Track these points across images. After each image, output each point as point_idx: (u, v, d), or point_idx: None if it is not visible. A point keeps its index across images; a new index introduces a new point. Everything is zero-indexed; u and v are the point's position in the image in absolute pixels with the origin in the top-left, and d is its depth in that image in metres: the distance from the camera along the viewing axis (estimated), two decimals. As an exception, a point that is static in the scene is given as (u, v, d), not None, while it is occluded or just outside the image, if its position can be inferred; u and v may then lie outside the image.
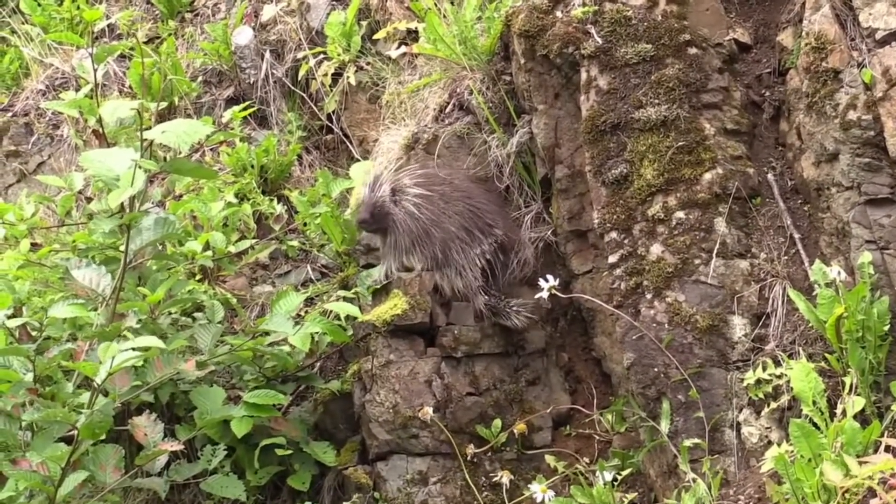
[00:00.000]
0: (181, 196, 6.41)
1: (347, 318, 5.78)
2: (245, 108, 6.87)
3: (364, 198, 5.77)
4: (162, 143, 4.45)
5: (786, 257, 5.25)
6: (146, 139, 4.56)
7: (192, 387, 5.51)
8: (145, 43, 8.07)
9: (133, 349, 4.43)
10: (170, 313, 5.60)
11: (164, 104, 7.29)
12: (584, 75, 5.54)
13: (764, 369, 4.97)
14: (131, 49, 7.84)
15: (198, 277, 6.32)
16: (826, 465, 4.12)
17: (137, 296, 5.23)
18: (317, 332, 5.37)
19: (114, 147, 4.98)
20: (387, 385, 5.57)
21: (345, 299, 5.75)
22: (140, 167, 4.45)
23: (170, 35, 8.12)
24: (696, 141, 5.34)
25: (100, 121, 4.98)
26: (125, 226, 4.86)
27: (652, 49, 5.46)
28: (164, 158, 4.62)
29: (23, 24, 8.54)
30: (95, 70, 5.14)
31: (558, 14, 5.68)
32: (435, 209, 5.77)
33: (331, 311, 5.79)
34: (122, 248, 5.04)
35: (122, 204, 4.77)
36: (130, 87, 7.63)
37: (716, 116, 5.44)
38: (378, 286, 5.79)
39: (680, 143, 5.33)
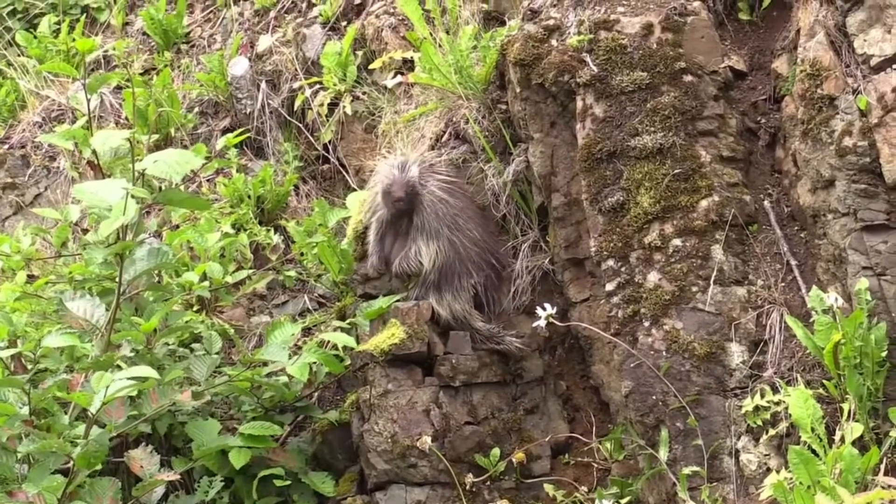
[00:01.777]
0: (178, 226, 6.41)
1: (345, 347, 5.77)
2: (239, 135, 6.85)
3: (395, 178, 5.69)
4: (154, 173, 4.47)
5: (783, 284, 5.26)
6: (139, 169, 4.56)
7: (189, 418, 5.50)
8: (141, 74, 8.09)
9: (128, 379, 4.43)
10: (167, 344, 5.59)
11: (160, 135, 7.32)
12: (579, 103, 5.54)
13: (762, 396, 4.99)
14: (128, 80, 7.84)
15: (195, 308, 6.33)
16: (820, 496, 4.13)
17: (134, 326, 5.22)
18: (314, 363, 5.37)
19: (109, 178, 4.97)
20: (385, 415, 5.55)
21: (341, 329, 5.73)
22: (132, 196, 4.46)
23: (165, 66, 8.14)
24: (692, 168, 5.35)
25: (94, 152, 4.98)
26: (119, 256, 4.86)
27: (647, 77, 5.45)
28: (159, 188, 4.61)
29: (19, 56, 8.56)
30: (89, 100, 5.14)
31: (553, 43, 5.67)
32: (460, 202, 5.80)
33: (328, 341, 5.78)
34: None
35: (117, 234, 4.78)
36: (127, 119, 7.64)
37: (712, 144, 5.44)
38: (378, 310, 5.76)
39: (676, 171, 5.34)
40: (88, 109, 5.19)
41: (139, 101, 7.26)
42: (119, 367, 4.77)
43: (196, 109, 7.95)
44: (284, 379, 5.61)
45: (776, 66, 5.67)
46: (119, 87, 8.10)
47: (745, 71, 5.84)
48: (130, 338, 5.07)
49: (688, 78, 5.48)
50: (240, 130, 7.01)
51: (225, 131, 7.62)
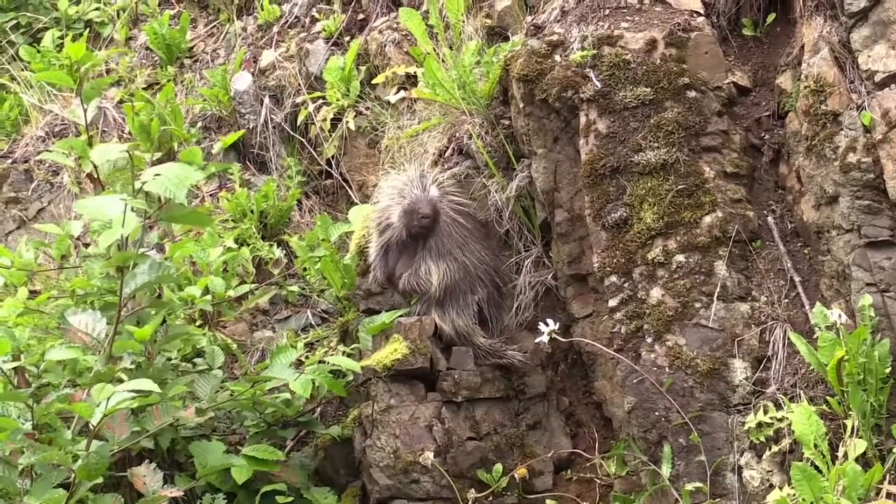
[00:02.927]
0: (180, 238, 6.42)
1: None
2: (234, 138, 6.84)
3: (419, 196, 5.68)
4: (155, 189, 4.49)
5: (786, 300, 5.26)
6: (138, 182, 4.58)
7: (192, 432, 5.52)
8: (144, 89, 8.09)
9: (129, 392, 4.46)
10: (169, 359, 5.58)
11: (162, 151, 7.32)
12: (583, 119, 5.54)
13: (765, 412, 4.98)
14: (131, 95, 7.86)
15: (197, 323, 6.33)
16: (825, 510, 4.15)
17: (133, 339, 5.22)
18: (316, 379, 5.38)
19: (108, 190, 4.99)
20: (387, 430, 5.56)
21: (345, 355, 5.74)
22: (132, 209, 4.49)
23: (169, 81, 8.15)
24: (695, 184, 5.35)
25: (94, 164, 4.99)
26: (119, 269, 4.86)
27: (651, 92, 5.45)
28: (158, 199, 4.61)
29: (22, 70, 8.57)
30: (86, 110, 5.14)
31: (557, 58, 5.66)
32: (469, 223, 5.82)
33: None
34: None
35: (117, 248, 4.81)
36: (130, 134, 7.65)
37: (715, 160, 5.43)
38: (380, 325, 5.77)
39: (679, 187, 5.34)
40: (86, 119, 5.16)
41: (142, 116, 7.26)
42: (120, 380, 4.77)
43: (199, 124, 7.95)
44: (286, 396, 5.59)
45: (780, 82, 5.65)
46: (123, 102, 8.11)
47: (749, 87, 5.81)
48: (131, 349, 5.06)
49: (691, 94, 5.47)
50: (236, 133, 6.97)
51: (229, 147, 7.63)
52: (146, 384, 4.55)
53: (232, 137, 6.49)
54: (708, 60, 5.57)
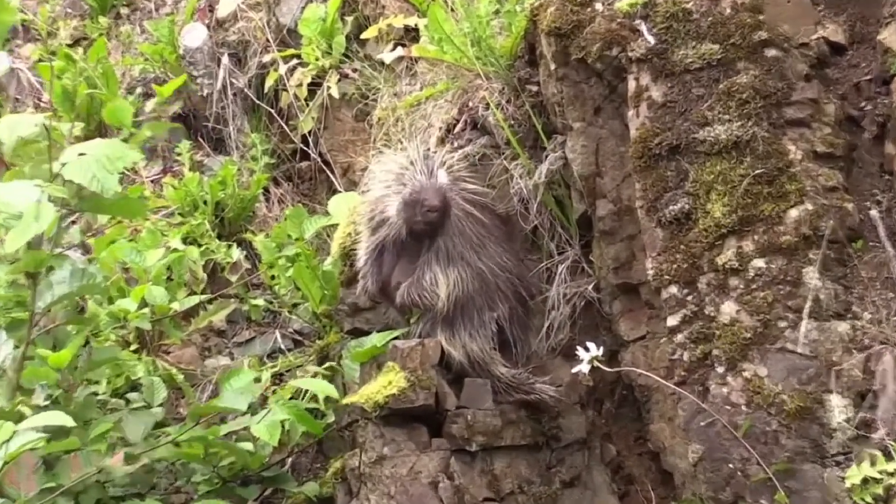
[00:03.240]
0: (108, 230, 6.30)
1: (327, 399, 5.63)
2: (176, 84, 6.64)
3: (423, 184, 5.63)
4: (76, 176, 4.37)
5: (896, 318, 5.19)
6: (57, 164, 4.51)
7: (124, 490, 5.42)
8: (69, 46, 8.14)
9: (36, 431, 4.37)
10: (95, 393, 5.46)
11: (90, 124, 7.22)
12: (632, 84, 5.48)
13: (872, 464, 4.84)
14: (52, 53, 7.79)
15: (133, 347, 6.31)
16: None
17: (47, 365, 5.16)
18: (287, 420, 5.21)
19: (15, 171, 4.90)
20: (380, 487, 5.45)
21: (321, 376, 5.59)
22: (49, 199, 4.40)
23: (101, 35, 8.21)
24: (777, 168, 5.24)
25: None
26: (30, 276, 4.79)
27: (719, 51, 5.38)
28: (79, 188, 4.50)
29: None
30: (-19, 70, 5.04)
31: (598, 7, 5.63)
32: (487, 218, 5.80)
33: (304, 391, 5.64)
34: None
35: (28, 247, 4.71)
36: (50, 103, 7.58)
37: (803, 136, 5.33)
38: (370, 350, 5.72)
39: (757, 171, 5.23)
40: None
41: (66, 79, 7.16)
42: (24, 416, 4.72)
43: (138, 90, 7.99)
44: (248, 445, 5.44)
45: (884, 38, 5.55)
46: (42, 62, 8.22)
47: (845, 44, 5.75)
48: (44, 379, 5.01)
49: (771, 52, 5.39)
50: (178, 80, 6.75)
51: (176, 118, 7.70)
52: (58, 418, 4.45)
53: (172, 84, 6.17)
54: (791, 10, 5.55)
